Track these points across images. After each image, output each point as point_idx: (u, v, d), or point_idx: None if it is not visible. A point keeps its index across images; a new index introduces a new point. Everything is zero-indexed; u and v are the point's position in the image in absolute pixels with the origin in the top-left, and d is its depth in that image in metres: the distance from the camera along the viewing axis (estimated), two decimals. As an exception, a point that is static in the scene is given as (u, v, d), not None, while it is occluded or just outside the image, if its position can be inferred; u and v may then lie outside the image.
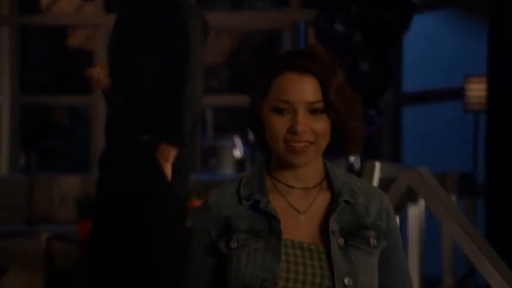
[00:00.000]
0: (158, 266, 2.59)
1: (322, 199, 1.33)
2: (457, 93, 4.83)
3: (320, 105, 1.28)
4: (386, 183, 2.11)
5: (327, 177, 1.35)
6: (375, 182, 1.97)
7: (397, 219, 2.00)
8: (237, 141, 7.57)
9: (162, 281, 2.60)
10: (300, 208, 1.31)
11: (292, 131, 1.27)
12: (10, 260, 4.27)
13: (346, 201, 1.31)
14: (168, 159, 2.52)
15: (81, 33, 6.72)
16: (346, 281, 1.25)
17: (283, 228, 1.28)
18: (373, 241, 1.30)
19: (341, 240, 1.28)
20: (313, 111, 1.28)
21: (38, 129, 7.03)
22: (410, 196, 2.02)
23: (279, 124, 1.28)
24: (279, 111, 1.28)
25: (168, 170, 2.54)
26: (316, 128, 1.28)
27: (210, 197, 1.34)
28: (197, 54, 2.62)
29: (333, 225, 1.28)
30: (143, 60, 2.63)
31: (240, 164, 7.44)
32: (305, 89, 1.27)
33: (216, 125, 8.65)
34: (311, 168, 1.33)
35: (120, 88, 2.66)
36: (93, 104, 5.54)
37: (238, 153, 7.50)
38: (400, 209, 2.00)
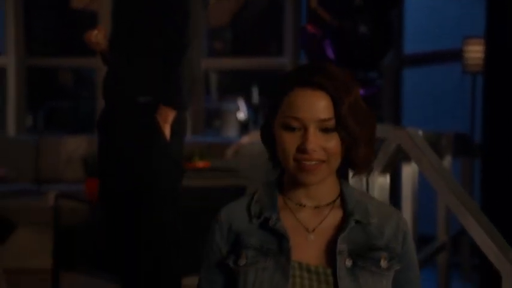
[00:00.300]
0: (158, 223, 2.68)
1: (334, 218, 1.29)
2: (457, 55, 4.88)
3: (332, 123, 1.23)
4: (380, 143, 2.19)
5: (341, 195, 1.31)
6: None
7: (388, 177, 2.10)
8: (241, 103, 7.64)
9: (162, 236, 2.70)
10: (309, 226, 1.28)
11: (302, 149, 1.23)
12: (20, 217, 4.40)
13: (357, 221, 1.27)
14: (167, 121, 2.59)
15: (85, -6, 6.74)
16: None
17: (292, 247, 1.25)
18: (384, 263, 1.25)
19: (349, 262, 1.24)
20: (325, 130, 1.23)
21: (43, 90, 7.11)
22: (399, 155, 2.11)
23: (289, 142, 1.24)
24: (290, 129, 1.24)
25: (167, 131, 2.61)
26: (327, 147, 1.23)
27: (222, 213, 1.32)
28: (196, 17, 2.68)
29: (341, 246, 1.24)
30: (144, 23, 2.68)
31: (243, 126, 7.52)
32: (317, 106, 1.22)
33: (220, 88, 8.70)
34: (323, 186, 1.29)
35: (122, 50, 2.72)
36: (98, 66, 5.61)
37: (242, 115, 7.57)
38: (390, 167, 2.09)
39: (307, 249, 1.26)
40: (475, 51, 4.59)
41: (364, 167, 1.29)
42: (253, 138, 4.49)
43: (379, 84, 5.29)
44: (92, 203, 3.93)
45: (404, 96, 5.61)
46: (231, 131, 7.56)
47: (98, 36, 2.73)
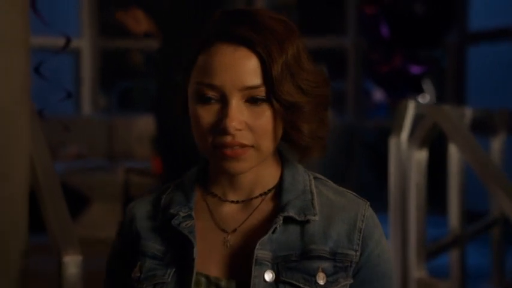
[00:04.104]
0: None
1: (262, 214, 0.97)
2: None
3: (261, 90, 0.91)
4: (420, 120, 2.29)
5: (280, 183, 0.98)
6: (408, 120, 2.16)
7: (426, 152, 2.19)
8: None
9: None
10: (229, 227, 0.97)
11: (221, 129, 0.91)
12: (93, 192, 4.69)
13: (288, 218, 0.94)
14: None
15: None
16: None
17: (202, 255, 0.95)
18: (322, 278, 0.91)
19: (270, 274, 0.91)
20: (252, 101, 0.92)
21: (116, 71, 7.42)
22: (435, 131, 2.20)
23: (205, 118, 0.92)
24: (204, 100, 0.92)
25: None
26: (255, 125, 0.91)
27: (128, 207, 1.04)
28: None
29: (260, 253, 0.92)
30: (191, 14, 2.85)
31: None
32: (240, 68, 0.90)
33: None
34: (254, 174, 0.97)
35: (171, 37, 2.91)
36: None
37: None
38: (427, 142, 2.19)
39: (221, 258, 0.96)
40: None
41: (310, 149, 0.95)
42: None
43: (439, 63, 5.29)
44: (159, 178, 4.16)
45: (471, 73, 5.58)
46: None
47: (133, 19, 2.89)
